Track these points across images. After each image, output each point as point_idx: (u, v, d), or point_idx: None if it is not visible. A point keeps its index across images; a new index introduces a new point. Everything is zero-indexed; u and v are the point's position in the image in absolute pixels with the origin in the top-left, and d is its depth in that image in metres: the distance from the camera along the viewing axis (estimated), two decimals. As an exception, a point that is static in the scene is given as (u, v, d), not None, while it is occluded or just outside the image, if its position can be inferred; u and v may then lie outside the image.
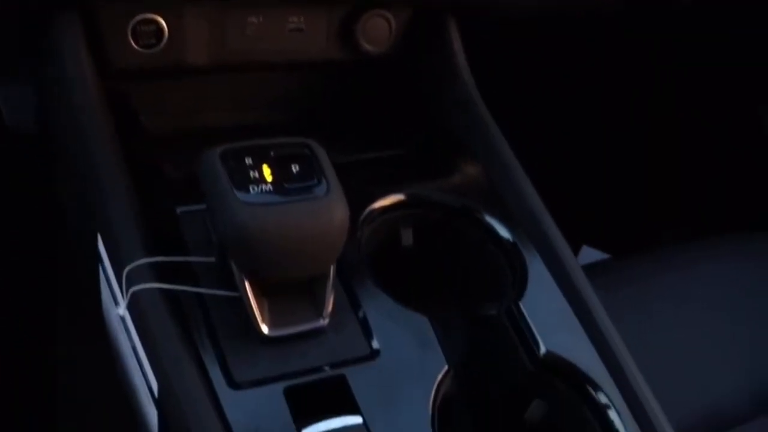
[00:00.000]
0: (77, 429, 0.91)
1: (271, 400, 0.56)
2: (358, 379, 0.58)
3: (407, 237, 0.71)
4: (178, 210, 0.64)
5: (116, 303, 0.63)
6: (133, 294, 0.58)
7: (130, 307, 0.59)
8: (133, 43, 0.70)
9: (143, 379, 0.61)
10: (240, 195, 0.55)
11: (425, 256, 0.71)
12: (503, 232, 0.70)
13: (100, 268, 0.66)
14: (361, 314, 0.62)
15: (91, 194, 0.64)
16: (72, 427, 0.92)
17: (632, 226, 1.29)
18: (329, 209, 0.56)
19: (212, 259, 0.60)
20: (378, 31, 0.78)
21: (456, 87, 0.79)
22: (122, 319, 0.62)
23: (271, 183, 0.57)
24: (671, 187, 1.25)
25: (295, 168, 0.58)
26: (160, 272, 0.59)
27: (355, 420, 0.56)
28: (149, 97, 0.75)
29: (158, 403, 0.59)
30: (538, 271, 0.68)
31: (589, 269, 0.71)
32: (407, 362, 0.60)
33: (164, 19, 0.70)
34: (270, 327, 0.58)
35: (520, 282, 0.67)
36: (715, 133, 1.20)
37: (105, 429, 0.85)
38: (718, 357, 0.86)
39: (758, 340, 0.89)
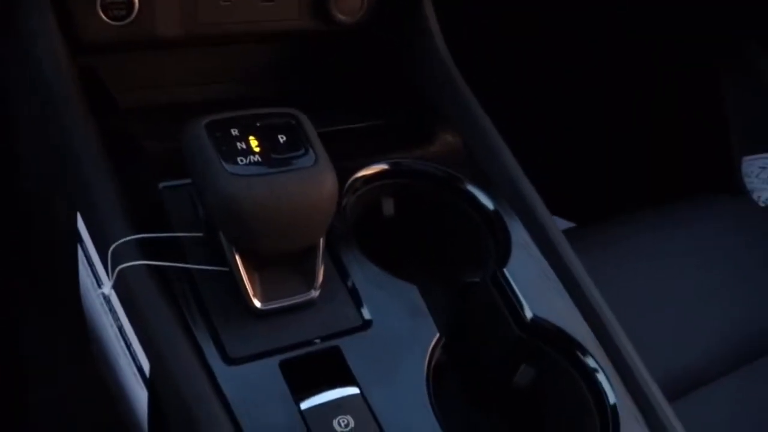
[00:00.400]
0: (51, 415, 0.90)
1: (267, 374, 0.55)
2: (352, 349, 0.58)
3: (388, 207, 0.71)
4: (161, 185, 0.63)
5: (99, 283, 0.62)
6: (120, 272, 0.57)
7: (117, 286, 0.58)
8: (103, 16, 0.68)
9: (130, 360, 0.60)
10: (228, 166, 0.54)
11: (407, 226, 0.71)
12: (485, 201, 0.70)
13: (79, 248, 0.65)
14: (350, 284, 0.61)
15: (70, 174, 0.62)
16: (45, 414, 0.90)
17: (596, 195, 1.30)
18: (318, 179, 0.56)
19: (199, 234, 0.59)
20: (350, 1, 0.77)
21: (431, 58, 0.78)
22: (107, 298, 0.61)
23: (259, 154, 0.56)
24: (633, 155, 1.27)
25: (281, 138, 0.57)
26: (146, 249, 0.58)
27: (352, 390, 0.56)
28: (121, 71, 0.73)
29: (149, 383, 0.58)
30: (520, 238, 0.68)
31: (566, 235, 0.71)
32: (399, 331, 0.60)
33: None
34: (262, 301, 0.57)
35: (503, 249, 0.67)
36: (671, 98, 1.22)
37: (81, 414, 0.84)
38: (697, 313, 0.88)
39: (734, 294, 0.91)
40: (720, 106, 1.14)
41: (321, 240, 0.59)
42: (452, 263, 0.70)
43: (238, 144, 0.56)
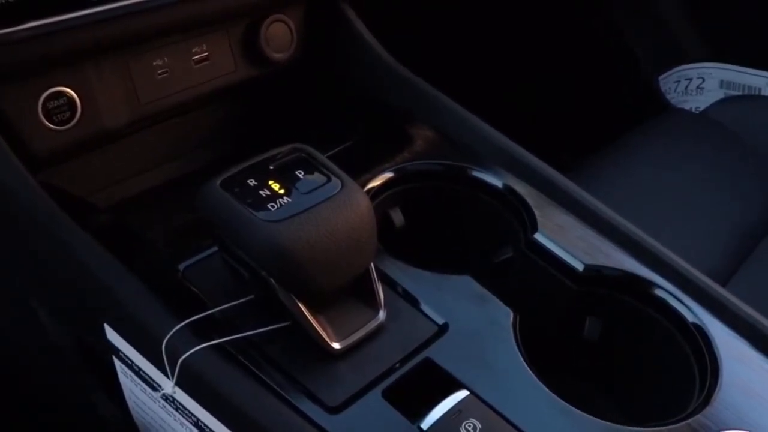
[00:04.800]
0: None
1: (375, 409, 0.52)
2: (442, 356, 0.56)
3: (398, 217, 0.69)
4: (181, 267, 0.59)
5: (155, 387, 0.58)
6: (183, 363, 0.53)
7: (181, 381, 0.54)
8: (47, 123, 0.64)
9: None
10: (262, 215, 0.52)
11: (425, 228, 0.70)
12: (491, 179, 0.69)
13: (116, 360, 0.60)
14: (402, 292, 0.59)
15: (90, 289, 0.58)
16: None
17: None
18: (354, 200, 0.54)
19: (246, 299, 0.56)
20: (280, 37, 0.76)
21: (376, 64, 0.78)
22: (170, 398, 0.57)
23: (286, 195, 0.53)
24: (562, 105, 1.28)
25: (300, 174, 0.55)
26: (196, 334, 0.55)
27: (463, 393, 0.54)
28: (82, 175, 0.69)
29: None
30: (538, 201, 0.68)
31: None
32: (477, 323, 0.58)
33: (71, 89, 0.65)
34: (338, 341, 0.55)
35: (527, 217, 0.67)
36: (579, 45, 1.25)
37: None
38: (701, 219, 0.90)
39: (722, 194, 0.94)
40: (621, 38, 1.18)
41: (372, 264, 0.57)
42: (480, 248, 0.69)
43: (261, 192, 0.53)
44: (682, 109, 1.15)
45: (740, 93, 1.18)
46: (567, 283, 0.64)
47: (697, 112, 1.16)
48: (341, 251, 0.53)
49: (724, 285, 0.85)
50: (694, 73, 1.21)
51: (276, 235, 0.51)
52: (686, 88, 1.22)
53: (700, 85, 1.21)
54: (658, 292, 0.62)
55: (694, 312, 0.61)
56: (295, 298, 0.54)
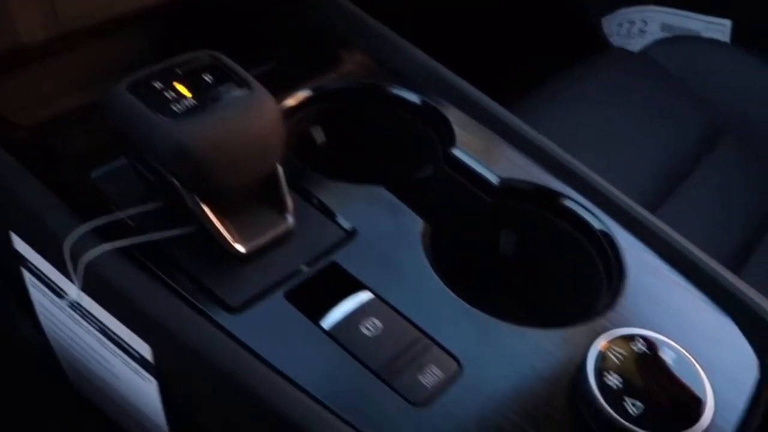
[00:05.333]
0: None
1: (277, 310, 0.53)
2: (348, 260, 0.56)
3: (319, 135, 0.69)
4: (93, 175, 0.59)
5: (61, 294, 0.58)
6: (88, 267, 0.53)
7: (86, 286, 0.54)
8: None
9: (125, 357, 0.56)
10: (166, 118, 0.52)
11: (343, 145, 0.70)
12: (411, 97, 0.69)
13: (25, 271, 0.60)
14: (317, 202, 0.59)
15: None
16: None
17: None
18: (261, 103, 0.54)
19: (154, 205, 0.56)
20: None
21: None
22: (76, 305, 0.57)
23: (192, 97, 0.53)
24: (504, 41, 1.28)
25: (208, 78, 0.55)
26: (102, 238, 0.54)
27: (367, 295, 0.54)
28: (3, 94, 0.68)
29: (155, 368, 0.54)
30: (457, 117, 0.68)
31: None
32: (385, 230, 0.59)
33: None
34: (242, 244, 0.55)
35: (445, 132, 0.67)
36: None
37: None
38: (634, 147, 0.91)
39: (654, 127, 0.95)
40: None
41: (279, 167, 0.56)
42: (402, 165, 0.69)
43: (167, 94, 0.53)
44: (622, 48, 1.16)
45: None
46: (482, 197, 0.64)
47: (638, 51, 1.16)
48: (245, 151, 0.53)
49: (654, 210, 0.87)
50: (636, 16, 1.22)
51: (178, 133, 0.51)
52: (629, 30, 1.22)
53: (643, 28, 1.21)
54: (568, 203, 0.63)
55: (601, 220, 0.62)
56: (199, 200, 0.54)
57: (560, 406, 0.51)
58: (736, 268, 0.95)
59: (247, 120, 0.53)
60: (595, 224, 0.62)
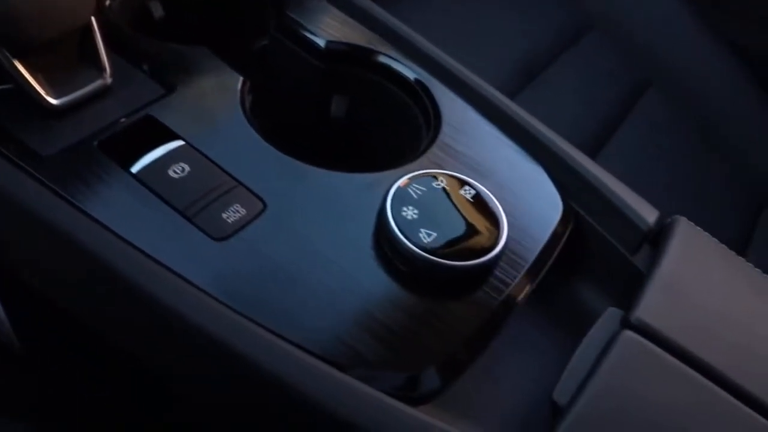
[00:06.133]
0: None
1: (88, 158, 0.54)
2: (165, 113, 0.57)
3: (157, 9, 0.70)
4: None
5: None
6: None
7: None
8: None
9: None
10: None
11: (179, 17, 0.70)
12: None
13: None
14: (138, 60, 0.60)
15: None
16: None
17: None
18: None
19: None
20: None
21: None
22: None
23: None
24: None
25: None
26: None
27: (178, 143, 0.55)
28: None
29: None
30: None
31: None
32: (205, 86, 0.60)
33: None
34: (55, 97, 0.55)
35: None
36: None
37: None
38: (491, 39, 0.93)
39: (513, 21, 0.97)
40: None
41: (94, 23, 0.57)
42: (236, 36, 0.70)
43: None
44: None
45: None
46: (312, 61, 0.65)
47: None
48: (53, 1, 0.53)
49: (513, 96, 0.89)
50: None
51: None
52: None
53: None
54: (385, 60, 0.64)
55: (418, 73, 0.64)
56: (8, 54, 0.54)
57: (367, 243, 0.53)
58: (594, 151, 0.98)
59: None
60: (411, 76, 0.63)
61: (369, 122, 0.67)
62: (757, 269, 0.60)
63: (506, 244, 0.53)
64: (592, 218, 0.61)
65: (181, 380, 0.53)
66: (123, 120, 0.56)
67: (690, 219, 0.61)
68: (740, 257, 0.60)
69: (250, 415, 0.51)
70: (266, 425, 0.51)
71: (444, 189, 0.55)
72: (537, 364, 0.56)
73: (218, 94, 0.60)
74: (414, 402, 0.49)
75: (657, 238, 0.60)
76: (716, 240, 0.60)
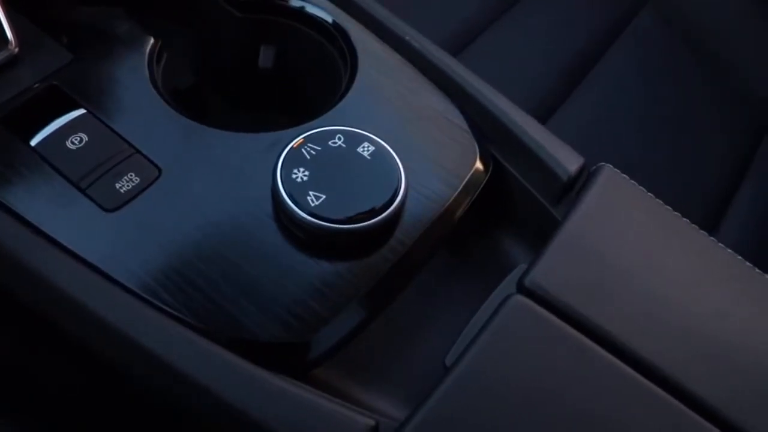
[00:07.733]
0: None
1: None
2: (69, 82, 0.57)
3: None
4: None
5: None
6: None
7: None
8: None
9: None
10: None
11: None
12: None
13: None
14: (47, 28, 0.60)
15: None
16: None
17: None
18: None
19: None
20: None
21: None
22: None
23: None
24: None
25: None
26: None
27: (78, 112, 0.55)
28: None
29: None
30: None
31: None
32: (114, 52, 0.59)
33: None
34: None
35: None
36: None
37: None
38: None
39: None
40: None
41: (-5, -5, 0.57)
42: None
43: None
44: None
45: None
46: (233, 12, 0.64)
47: None
48: None
49: (455, 54, 0.85)
50: None
51: None
52: None
53: None
54: (297, 4, 0.62)
55: (338, 20, 0.61)
56: None
57: (265, 207, 0.53)
58: (552, 111, 0.93)
59: None
60: (328, 19, 0.61)
61: (297, 72, 0.65)
62: (693, 225, 0.56)
63: (403, 203, 0.52)
64: (513, 167, 0.58)
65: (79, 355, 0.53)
66: (26, 92, 0.56)
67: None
68: (674, 212, 0.56)
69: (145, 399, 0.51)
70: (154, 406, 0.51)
71: (340, 147, 0.53)
72: (446, 325, 0.55)
73: (125, 58, 0.59)
74: (303, 369, 0.49)
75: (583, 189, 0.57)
76: (643, 190, 0.56)
